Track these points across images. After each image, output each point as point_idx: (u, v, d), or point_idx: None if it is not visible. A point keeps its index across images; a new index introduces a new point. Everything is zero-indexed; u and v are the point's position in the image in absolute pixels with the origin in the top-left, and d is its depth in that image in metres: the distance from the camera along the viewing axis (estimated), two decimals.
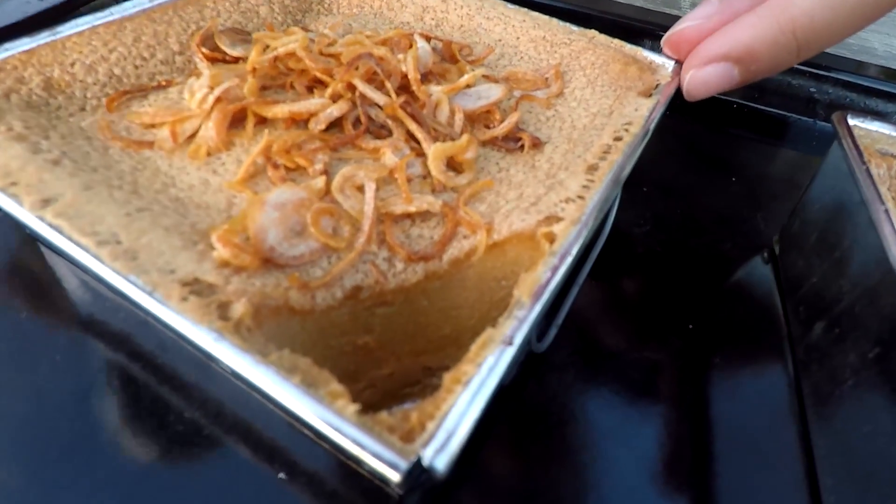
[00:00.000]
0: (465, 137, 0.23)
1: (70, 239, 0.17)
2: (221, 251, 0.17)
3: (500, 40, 0.31)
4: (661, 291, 0.30)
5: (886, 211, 0.22)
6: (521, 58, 0.31)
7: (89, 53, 0.25)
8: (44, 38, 0.25)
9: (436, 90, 0.25)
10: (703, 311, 0.29)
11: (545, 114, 0.27)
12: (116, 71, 0.25)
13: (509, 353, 0.15)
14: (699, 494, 0.22)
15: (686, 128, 0.30)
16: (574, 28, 0.31)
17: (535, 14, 0.32)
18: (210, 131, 0.22)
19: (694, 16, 0.27)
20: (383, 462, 0.13)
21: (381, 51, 0.25)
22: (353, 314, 0.20)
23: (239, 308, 0.16)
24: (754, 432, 0.24)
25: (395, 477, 0.13)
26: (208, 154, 0.22)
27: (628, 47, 0.30)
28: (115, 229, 0.18)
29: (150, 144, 0.22)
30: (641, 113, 0.25)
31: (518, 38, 0.31)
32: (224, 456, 0.21)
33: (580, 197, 0.21)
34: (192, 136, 0.23)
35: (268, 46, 0.25)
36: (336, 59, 0.25)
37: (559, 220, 0.20)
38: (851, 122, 0.26)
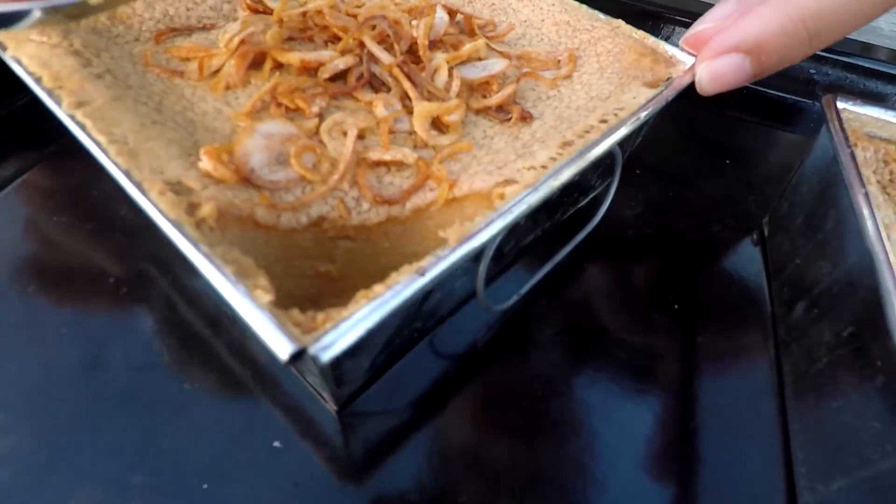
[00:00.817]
0: (453, 101, 0.24)
1: (89, 135, 0.20)
2: (206, 163, 0.20)
3: (525, 21, 0.32)
4: (650, 273, 0.30)
5: (866, 194, 0.22)
6: (542, 39, 0.31)
7: None
8: None
9: (439, 56, 0.26)
10: (690, 293, 0.29)
11: (548, 93, 0.28)
12: (171, 11, 0.29)
13: (419, 283, 0.17)
14: (680, 468, 0.23)
15: (683, 110, 0.30)
16: (601, 16, 0.31)
17: (568, 0, 0.33)
18: (231, 68, 0.25)
19: (712, 16, 0.26)
20: (277, 343, 0.15)
21: (396, 14, 0.27)
22: (316, 241, 0.22)
23: (206, 209, 0.18)
24: (736, 409, 0.25)
25: (283, 356, 0.15)
26: (226, 88, 0.25)
27: (651, 40, 0.30)
28: (127, 133, 0.21)
29: (181, 74, 0.26)
30: (637, 101, 0.25)
31: (543, 20, 0.32)
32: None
33: (543, 167, 0.22)
34: (217, 71, 0.26)
35: (296, 4, 0.28)
36: (356, 19, 0.27)
37: (516, 182, 0.21)
38: (840, 105, 0.26)
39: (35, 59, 0.23)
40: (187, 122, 0.23)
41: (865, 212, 0.21)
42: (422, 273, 0.17)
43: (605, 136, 0.23)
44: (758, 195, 0.36)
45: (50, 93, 0.22)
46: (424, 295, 0.18)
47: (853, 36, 0.47)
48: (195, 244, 0.17)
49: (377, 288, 0.17)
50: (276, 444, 0.22)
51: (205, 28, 0.29)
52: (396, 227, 0.22)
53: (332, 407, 0.23)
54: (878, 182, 0.24)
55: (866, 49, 0.44)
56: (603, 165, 0.30)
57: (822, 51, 0.41)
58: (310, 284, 0.23)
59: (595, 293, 0.29)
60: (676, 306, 0.28)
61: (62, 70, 0.23)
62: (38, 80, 0.22)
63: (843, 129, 0.25)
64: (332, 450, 0.22)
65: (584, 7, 0.32)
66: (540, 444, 0.23)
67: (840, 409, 0.21)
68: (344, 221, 0.22)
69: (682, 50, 0.28)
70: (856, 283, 0.22)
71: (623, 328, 0.27)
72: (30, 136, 0.33)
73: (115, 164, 0.19)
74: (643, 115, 0.25)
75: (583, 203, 0.33)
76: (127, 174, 0.19)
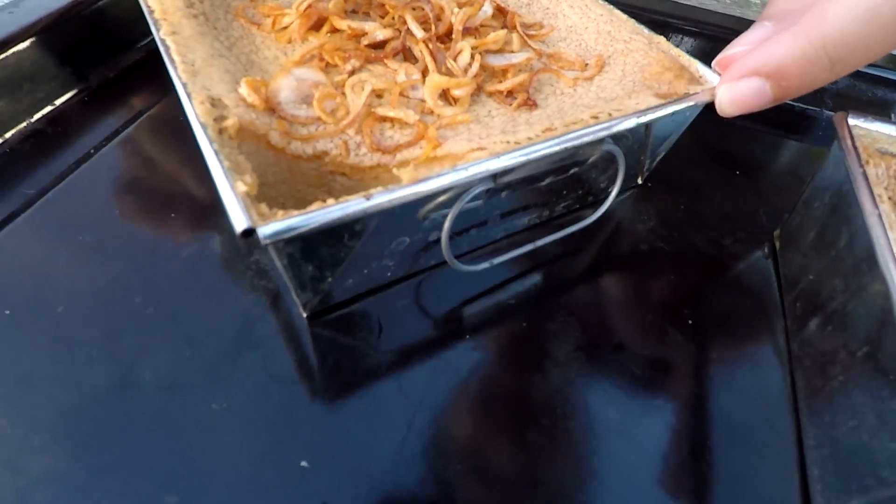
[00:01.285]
0: (463, 79, 0.27)
1: (169, 54, 0.26)
2: (243, 89, 0.25)
3: (571, 26, 0.34)
4: (664, 288, 0.31)
5: (879, 215, 0.22)
6: (579, 44, 0.33)
7: None
8: None
9: (467, 41, 0.29)
10: (704, 308, 0.30)
11: (564, 89, 0.30)
12: None
13: (362, 204, 0.20)
14: (696, 484, 0.23)
15: (692, 120, 0.31)
16: (644, 31, 0.33)
17: (618, 13, 0.34)
18: (295, 26, 0.30)
19: (746, 39, 0.27)
20: (237, 219, 0.19)
21: (442, 2, 0.30)
22: (318, 173, 0.26)
23: (230, 121, 0.23)
24: (749, 424, 0.26)
25: (238, 228, 0.19)
26: (289, 41, 0.30)
27: (685, 58, 0.31)
28: (197, 59, 0.26)
29: (258, 25, 0.31)
30: (637, 107, 0.27)
31: (587, 27, 0.34)
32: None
33: (517, 143, 0.24)
34: (286, 28, 0.31)
35: None
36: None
37: (484, 150, 0.24)
38: (852, 122, 0.26)
39: None
40: (248, 61, 0.29)
41: (879, 233, 0.22)
42: (368, 198, 0.20)
43: (587, 128, 0.25)
44: (768, 207, 0.36)
45: (155, 21, 0.28)
46: (379, 234, 0.22)
47: None
48: (210, 141, 0.22)
49: (330, 201, 0.20)
50: (304, 464, 0.22)
51: None
52: (385, 174, 0.26)
53: (301, 312, 0.27)
54: (890, 199, 0.24)
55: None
56: (610, 168, 0.32)
57: None
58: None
59: (610, 309, 0.30)
60: (691, 322, 0.29)
61: (170, 7, 0.29)
62: (151, 12, 0.29)
63: (855, 148, 0.25)
64: None
65: (632, 21, 0.33)
66: (558, 461, 0.24)
67: (856, 428, 0.22)
68: (342, 159, 0.26)
69: (714, 71, 0.29)
70: (870, 304, 0.22)
71: (638, 344, 0.28)
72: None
73: (178, 76, 0.25)
74: (637, 118, 0.26)
75: (595, 202, 0.34)
76: (183, 85, 0.24)
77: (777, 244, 0.34)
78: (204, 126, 0.22)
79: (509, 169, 0.23)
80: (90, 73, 0.39)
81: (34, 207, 0.30)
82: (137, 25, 0.42)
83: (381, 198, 0.21)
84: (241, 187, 0.20)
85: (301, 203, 0.27)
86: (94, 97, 0.38)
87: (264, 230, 0.19)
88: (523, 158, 0.23)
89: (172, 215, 0.30)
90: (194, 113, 0.23)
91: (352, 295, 0.28)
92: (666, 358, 0.28)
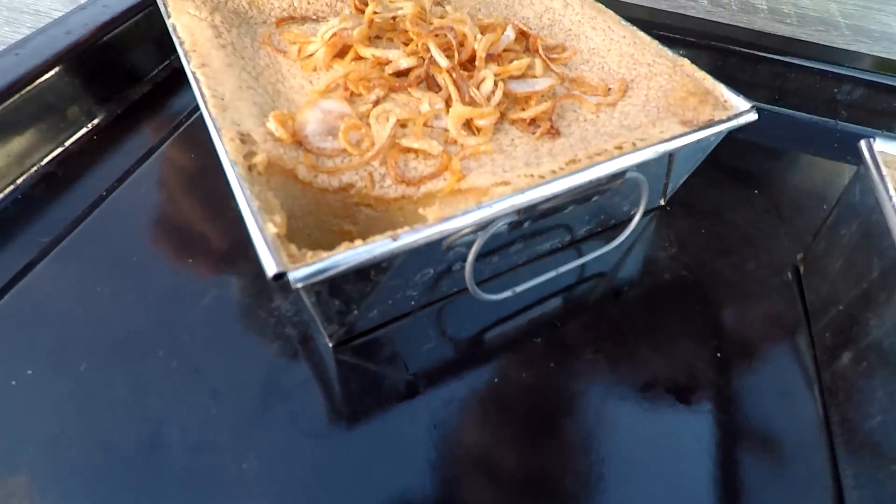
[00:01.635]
0: (487, 109, 0.28)
1: (199, 87, 0.27)
2: (271, 123, 0.26)
3: (593, 48, 0.34)
4: (691, 319, 0.31)
5: None
6: (602, 67, 0.33)
7: None
8: None
9: (489, 69, 0.29)
10: (732, 339, 0.30)
11: (587, 115, 0.30)
12: (295, 3, 0.36)
13: (389, 246, 0.21)
14: None
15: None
16: (668, 53, 0.33)
17: (641, 35, 0.34)
18: (321, 54, 0.31)
19: None
20: (268, 263, 0.20)
21: (464, 29, 0.30)
22: (343, 204, 0.27)
23: (259, 157, 0.24)
24: (784, 461, 0.25)
25: (269, 273, 0.19)
26: (314, 69, 0.31)
27: (710, 81, 0.30)
28: (226, 92, 0.27)
29: (285, 53, 0.32)
30: (662, 136, 0.27)
31: (609, 50, 0.34)
32: None
33: (541, 177, 0.24)
34: (311, 55, 0.31)
35: (388, 8, 0.33)
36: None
37: (509, 185, 0.24)
38: (879, 147, 0.26)
39: (186, 27, 0.31)
40: (275, 91, 0.29)
41: None
42: (395, 238, 0.21)
43: (611, 160, 0.25)
44: (789, 227, 0.36)
45: (186, 53, 0.29)
46: (404, 268, 0.22)
47: (870, 42, 0.50)
48: (239, 180, 0.22)
49: (357, 242, 0.21)
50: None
51: (316, 20, 0.35)
52: (409, 205, 0.26)
53: (327, 342, 0.27)
54: None
55: (886, 66, 0.44)
56: (633, 193, 0.32)
57: (843, 69, 0.43)
58: (334, 238, 0.27)
59: (635, 341, 0.29)
60: (719, 354, 0.29)
61: (199, 38, 0.30)
62: (182, 43, 0.30)
63: (882, 178, 0.25)
64: None
65: (655, 43, 0.33)
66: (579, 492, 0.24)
67: None
68: (367, 191, 0.26)
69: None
70: None
71: (667, 379, 0.28)
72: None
73: (209, 111, 0.25)
74: (661, 149, 0.26)
75: (616, 224, 0.34)
76: (213, 121, 0.25)
77: (801, 268, 0.33)
78: (234, 164, 0.23)
79: (533, 205, 0.23)
80: (97, 110, 0.39)
81: (49, 257, 0.30)
82: (143, 59, 0.42)
83: (408, 238, 0.21)
84: (272, 229, 0.21)
85: (327, 234, 0.27)
86: (103, 135, 0.38)
87: (295, 274, 0.19)
88: (547, 194, 0.24)
89: (190, 261, 0.31)
90: (225, 151, 0.24)
91: (377, 324, 0.28)
92: (695, 393, 0.28)
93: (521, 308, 0.30)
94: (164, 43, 0.33)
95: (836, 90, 0.45)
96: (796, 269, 0.33)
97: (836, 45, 0.54)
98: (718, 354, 0.29)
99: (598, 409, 0.27)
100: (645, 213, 0.35)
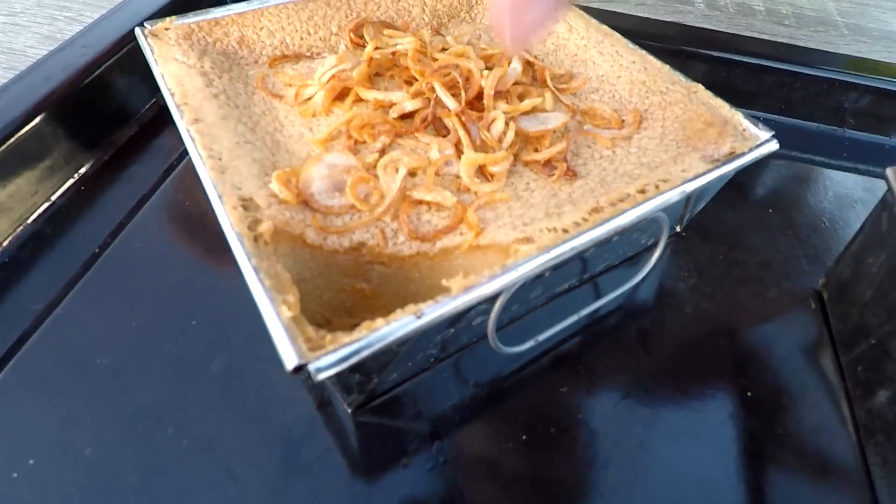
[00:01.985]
0: (500, 153, 0.26)
1: (195, 147, 0.25)
2: (274, 185, 0.24)
3: (602, 76, 0.33)
4: (717, 357, 0.30)
5: None
6: (613, 96, 0.32)
7: (275, 22, 0.34)
8: (254, 5, 0.34)
9: (501, 108, 0.28)
10: (758, 374, 0.29)
11: (602, 152, 0.29)
12: (287, 39, 0.34)
13: (413, 323, 0.19)
14: None
15: None
16: (681, 79, 0.31)
17: (651, 59, 0.33)
18: (319, 98, 0.29)
19: None
20: (286, 355, 0.18)
21: (469, 64, 0.29)
22: (355, 263, 0.25)
23: (264, 226, 0.22)
24: (821, 499, 0.25)
25: (288, 366, 0.18)
26: (313, 115, 0.29)
27: (726, 109, 0.29)
28: (223, 150, 0.25)
29: (281, 98, 0.30)
30: (685, 175, 0.25)
31: (619, 76, 0.32)
32: None
33: (565, 230, 0.23)
34: (309, 99, 0.30)
35: (387, 44, 0.31)
36: (435, 63, 0.30)
37: (532, 242, 0.22)
38: None
39: (174, 77, 0.29)
40: (274, 142, 0.28)
41: None
42: (419, 315, 0.19)
43: (636, 207, 0.24)
44: (807, 248, 0.35)
45: (178, 107, 0.27)
46: (426, 333, 0.21)
47: (869, 41, 0.49)
48: (248, 256, 0.21)
49: (379, 321, 0.19)
50: None
51: (311, 57, 0.34)
52: (425, 262, 0.25)
53: (346, 408, 0.26)
54: None
55: (894, 72, 0.43)
56: (651, 227, 0.30)
57: (851, 76, 0.43)
58: (346, 298, 0.26)
59: (667, 386, 0.28)
60: (749, 393, 0.28)
61: (190, 88, 0.28)
62: (172, 96, 0.28)
63: None
64: None
65: (667, 68, 0.32)
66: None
67: None
68: (380, 249, 0.25)
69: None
70: None
71: (699, 423, 0.27)
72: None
73: (208, 175, 0.24)
74: (686, 189, 0.25)
75: (634, 256, 0.33)
76: (214, 186, 0.23)
77: (825, 295, 0.32)
78: (241, 237, 0.21)
79: (560, 263, 0.22)
80: (84, 158, 0.37)
81: (44, 327, 0.28)
82: (128, 99, 0.40)
83: (433, 313, 0.20)
84: (286, 312, 0.19)
85: (339, 294, 0.26)
86: (91, 185, 0.36)
87: (316, 365, 0.18)
88: (573, 251, 0.22)
89: (194, 323, 0.29)
90: (229, 222, 0.22)
91: (396, 384, 0.27)
92: (729, 437, 0.27)
93: (542, 353, 0.29)
94: (148, 80, 0.31)
95: (843, 98, 0.44)
96: (819, 295, 0.33)
97: (836, 47, 0.53)
98: (749, 394, 0.28)
99: (633, 460, 0.26)
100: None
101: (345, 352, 0.19)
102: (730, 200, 0.38)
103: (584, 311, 0.29)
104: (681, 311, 0.32)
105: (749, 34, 0.50)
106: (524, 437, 0.26)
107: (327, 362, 0.18)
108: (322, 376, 0.18)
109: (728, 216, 0.37)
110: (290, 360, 0.18)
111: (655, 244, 0.32)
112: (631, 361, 0.29)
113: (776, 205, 0.38)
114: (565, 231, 0.23)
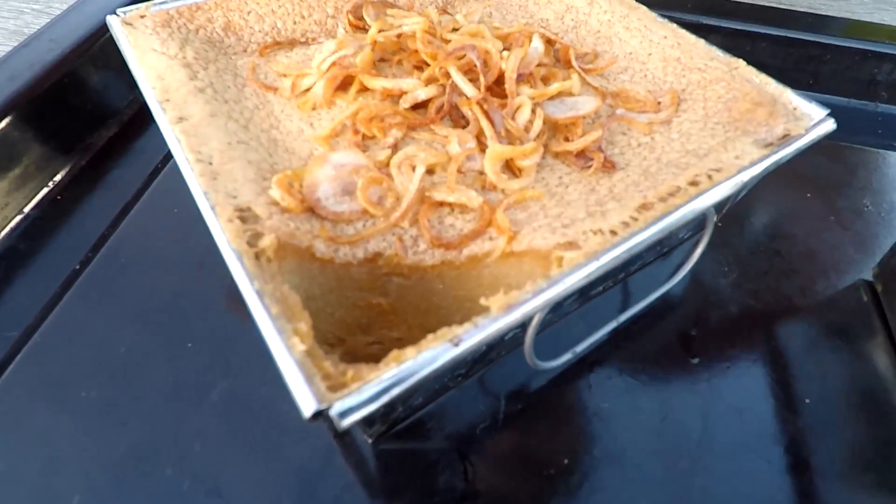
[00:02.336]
0: (529, 145, 0.23)
1: (182, 150, 0.22)
2: (275, 191, 0.21)
3: (630, 53, 0.30)
4: (770, 364, 0.27)
5: None
6: (644, 76, 0.29)
7: (264, 5, 0.30)
8: None
9: (526, 93, 0.25)
10: (814, 378, 0.26)
11: (640, 139, 0.26)
12: (279, 24, 0.30)
13: (451, 353, 0.16)
14: None
15: None
16: (719, 54, 0.28)
17: (684, 33, 0.30)
18: (319, 89, 0.26)
19: None
20: (303, 399, 0.15)
21: (486, 45, 0.26)
22: (370, 276, 0.22)
23: (266, 241, 0.19)
24: None
25: (306, 412, 0.15)
26: (313, 108, 0.26)
27: (773, 86, 0.26)
28: (213, 152, 0.22)
29: (275, 90, 0.27)
30: (740, 162, 0.22)
31: (650, 54, 0.29)
32: None
33: (612, 232, 0.20)
34: (307, 90, 0.27)
35: (391, 25, 0.28)
36: (447, 45, 0.27)
37: (577, 248, 0.19)
38: None
39: (153, 69, 0.26)
40: (270, 141, 0.24)
41: None
42: (456, 343, 0.16)
43: (690, 201, 0.21)
44: (852, 235, 0.33)
45: (160, 104, 0.24)
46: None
47: None
48: (250, 279, 0.18)
49: (409, 351, 0.16)
50: None
51: (307, 43, 0.30)
52: (451, 272, 0.22)
53: (366, 439, 0.23)
54: None
55: None
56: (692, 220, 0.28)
57: (884, 46, 0.40)
58: (361, 314, 0.23)
59: (715, 398, 0.25)
60: (807, 400, 0.26)
61: (172, 82, 0.25)
62: (152, 91, 0.25)
63: None
64: None
65: (702, 42, 0.29)
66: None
67: None
68: (399, 260, 0.22)
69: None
70: None
71: (754, 435, 0.24)
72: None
73: (198, 183, 0.21)
74: (744, 178, 0.22)
75: (669, 251, 0.30)
76: (205, 195, 0.20)
77: (878, 287, 0.29)
78: (240, 256, 0.18)
79: (610, 272, 0.19)
80: (59, 165, 0.33)
81: (20, 357, 0.25)
82: (105, 97, 0.37)
83: (472, 339, 0.17)
84: (299, 346, 0.16)
85: (353, 310, 0.23)
86: (69, 194, 0.33)
87: (339, 409, 0.15)
88: (626, 255, 0.19)
89: (189, 345, 0.26)
90: (225, 238, 0.19)
91: (419, 406, 0.24)
92: (791, 453, 0.24)
93: (577, 363, 0.26)
94: (126, 74, 0.28)
95: (875, 70, 0.41)
96: (871, 286, 0.30)
97: (858, 16, 0.50)
98: (807, 401, 0.26)
99: (686, 484, 0.23)
100: (697, 233, 0.31)
101: (371, 390, 0.16)
102: (765, 183, 0.35)
103: (623, 317, 0.26)
104: (724, 309, 0.29)
105: (768, 4, 0.47)
106: (566, 462, 0.23)
107: (352, 403, 0.15)
108: (348, 422, 0.15)
109: (765, 203, 0.34)
110: (307, 406, 0.15)
111: (694, 238, 0.29)
112: (675, 369, 0.26)
113: (814, 187, 0.35)
114: (613, 233, 0.20)
